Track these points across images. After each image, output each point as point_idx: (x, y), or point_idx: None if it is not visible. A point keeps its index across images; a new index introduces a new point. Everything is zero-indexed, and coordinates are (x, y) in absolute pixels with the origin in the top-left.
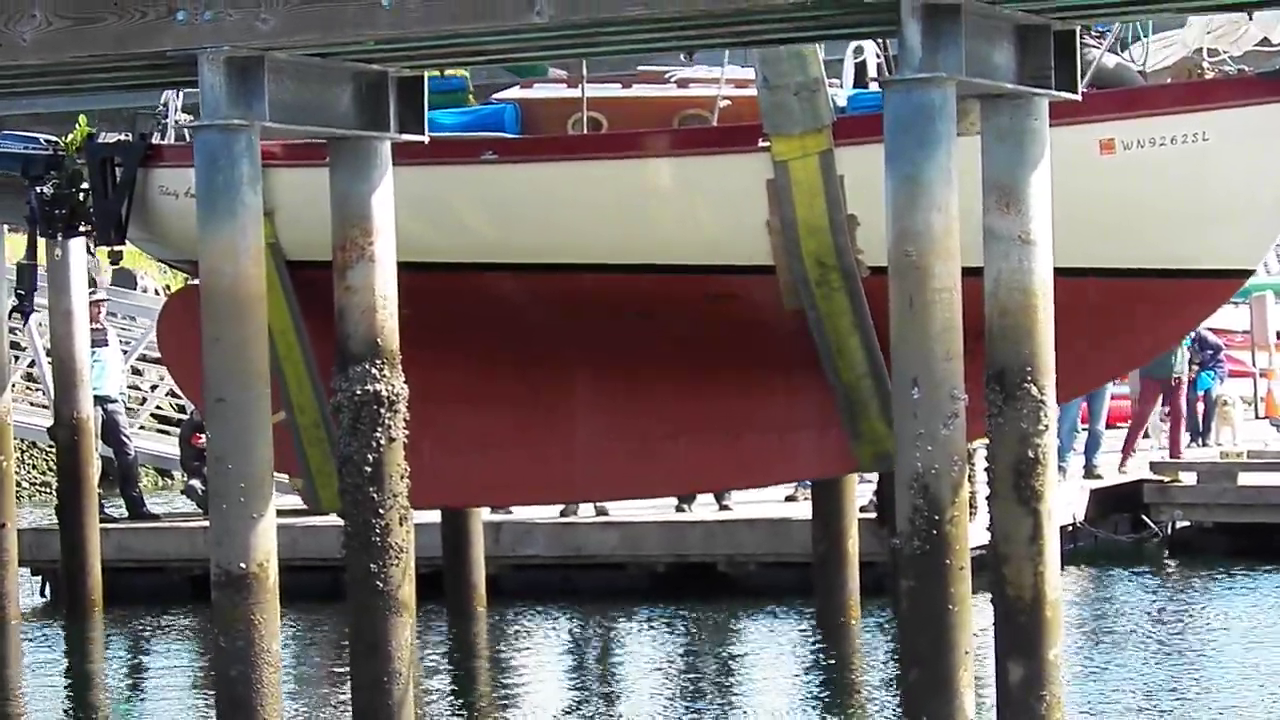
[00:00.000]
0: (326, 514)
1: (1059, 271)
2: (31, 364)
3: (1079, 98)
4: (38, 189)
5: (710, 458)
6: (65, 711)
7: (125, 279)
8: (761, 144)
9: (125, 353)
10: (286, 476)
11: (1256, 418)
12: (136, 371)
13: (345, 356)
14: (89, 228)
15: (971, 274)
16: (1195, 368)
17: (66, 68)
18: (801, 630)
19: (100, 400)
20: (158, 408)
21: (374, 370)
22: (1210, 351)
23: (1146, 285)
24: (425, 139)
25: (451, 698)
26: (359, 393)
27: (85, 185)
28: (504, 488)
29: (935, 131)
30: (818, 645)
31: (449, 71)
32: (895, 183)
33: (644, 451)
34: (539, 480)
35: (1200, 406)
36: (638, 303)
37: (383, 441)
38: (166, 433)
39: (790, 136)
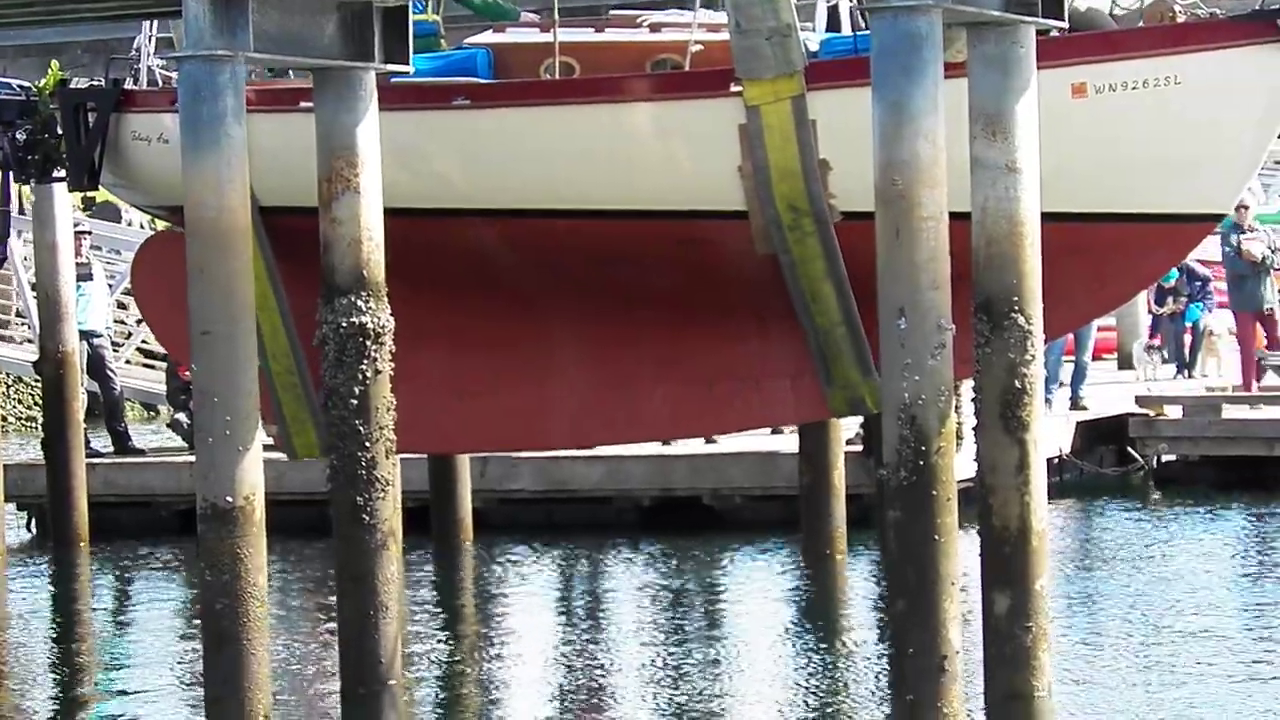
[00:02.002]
0: (302, 460)
1: None
2: (16, 298)
3: (1065, 24)
4: (11, 134)
5: (685, 403)
6: (52, 646)
7: (109, 212)
8: (734, 89)
9: (110, 287)
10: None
11: None
12: (121, 306)
13: (331, 289)
14: (63, 173)
15: (955, 218)
16: (1184, 299)
17: None
18: (788, 563)
19: (85, 335)
20: (144, 341)
21: (360, 302)
22: (1199, 283)
23: (1118, 229)
24: (410, 69)
25: (438, 631)
26: (345, 325)
27: (59, 131)
28: (479, 435)
29: (921, 59)
30: (804, 578)
31: (419, 17)
32: (881, 111)
33: (619, 397)
34: (514, 427)
35: (1188, 339)
36: (610, 248)
37: (369, 374)
38: (152, 367)
39: (762, 81)
